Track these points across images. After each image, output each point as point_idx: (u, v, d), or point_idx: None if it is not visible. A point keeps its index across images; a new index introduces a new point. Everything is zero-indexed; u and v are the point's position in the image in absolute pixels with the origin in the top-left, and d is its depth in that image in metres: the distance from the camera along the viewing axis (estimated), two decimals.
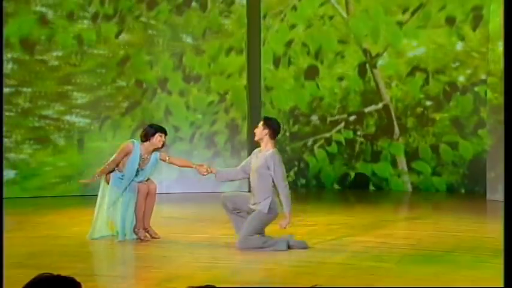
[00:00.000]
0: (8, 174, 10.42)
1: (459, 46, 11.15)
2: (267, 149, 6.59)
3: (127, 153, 7.01)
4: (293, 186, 12.12)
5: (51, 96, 10.77)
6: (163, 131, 7.13)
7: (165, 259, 6.30)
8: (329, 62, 12.02)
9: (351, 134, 11.96)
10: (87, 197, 9.95)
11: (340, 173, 12.04)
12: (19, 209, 9.53)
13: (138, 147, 7.02)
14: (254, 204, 6.55)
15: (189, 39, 11.27)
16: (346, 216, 8.89)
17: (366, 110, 11.84)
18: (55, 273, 2.50)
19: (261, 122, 6.69)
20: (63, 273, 2.50)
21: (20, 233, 7.62)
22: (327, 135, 12.09)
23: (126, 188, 6.99)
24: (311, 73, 12.14)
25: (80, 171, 10.45)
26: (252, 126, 11.88)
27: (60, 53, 10.79)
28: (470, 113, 11.10)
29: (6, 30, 10.39)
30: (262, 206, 6.48)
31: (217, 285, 2.56)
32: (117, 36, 11.00)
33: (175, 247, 6.65)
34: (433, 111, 11.40)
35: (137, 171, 7.02)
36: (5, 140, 10.31)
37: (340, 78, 11.96)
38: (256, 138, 6.68)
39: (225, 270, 5.81)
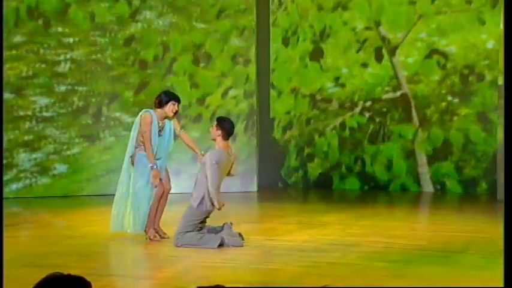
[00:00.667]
0: (60, 168, 10.64)
1: (489, 44, 11.03)
2: (215, 149, 6.74)
3: (151, 123, 7.03)
4: (303, 173, 12.14)
5: (104, 95, 11.07)
6: (177, 99, 7.16)
7: (174, 259, 6.31)
8: (342, 45, 11.94)
9: (365, 120, 11.87)
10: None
11: (351, 158, 11.95)
12: (41, 208, 9.62)
13: (154, 115, 7.07)
14: (192, 194, 6.73)
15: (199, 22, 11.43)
16: (356, 215, 8.88)
17: (384, 97, 11.73)
18: (65, 272, 2.51)
19: (215, 123, 6.80)
20: (73, 272, 2.52)
21: (34, 232, 7.67)
22: (341, 119, 12.01)
23: (152, 166, 6.95)
24: (316, 55, 12.10)
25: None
26: (263, 106, 12.03)
27: (114, 54, 11.14)
28: (496, 106, 10.82)
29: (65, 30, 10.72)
30: (192, 200, 6.63)
31: (226, 285, 2.57)
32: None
33: (184, 248, 6.66)
34: (456, 104, 11.28)
35: (157, 140, 7.03)
36: (60, 136, 10.67)
37: (356, 62, 11.89)
38: (211, 138, 6.83)
39: (234, 270, 5.81)
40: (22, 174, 10.73)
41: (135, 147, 7.07)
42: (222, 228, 6.82)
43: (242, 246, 6.69)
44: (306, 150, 12.35)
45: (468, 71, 11.21)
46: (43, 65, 10.79)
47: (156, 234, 7.08)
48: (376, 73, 11.81)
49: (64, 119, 10.83)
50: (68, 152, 10.87)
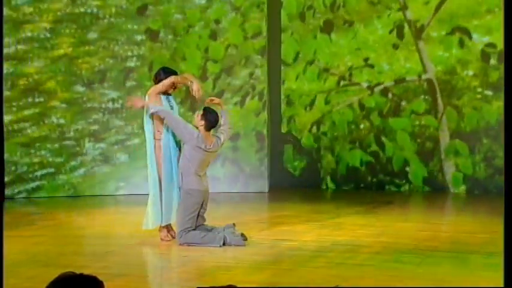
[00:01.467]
0: (121, 158, 11.11)
1: None
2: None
3: (156, 92, 7.04)
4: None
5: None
6: (175, 74, 7.21)
7: (186, 259, 6.33)
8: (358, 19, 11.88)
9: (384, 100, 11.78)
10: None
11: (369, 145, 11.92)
12: (57, 208, 9.67)
13: (163, 96, 7.08)
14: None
15: None
16: (368, 215, 8.87)
17: (407, 78, 11.64)
18: (78, 272, 2.53)
19: (201, 112, 6.87)
20: (86, 272, 2.54)
21: (49, 232, 7.71)
22: (356, 98, 11.97)
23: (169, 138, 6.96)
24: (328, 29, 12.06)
25: None
26: (273, 80, 12.06)
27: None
28: None
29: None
30: (184, 185, 6.74)
31: (237, 285, 2.58)
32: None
33: (196, 247, 6.68)
34: (489, 96, 11.15)
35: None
36: (124, 127, 11.09)
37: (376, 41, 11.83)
38: (193, 124, 6.92)
39: (246, 270, 5.82)
40: (87, 162, 11.05)
41: (155, 139, 7.06)
42: (224, 228, 6.85)
43: (244, 245, 6.70)
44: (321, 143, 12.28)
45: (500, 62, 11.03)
46: (111, 61, 11.11)
47: (168, 234, 7.10)
48: (403, 56, 11.65)
49: (128, 111, 11.05)
50: (129, 143, 11.12)
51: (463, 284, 5.31)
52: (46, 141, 10.73)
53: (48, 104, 10.76)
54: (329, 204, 10.43)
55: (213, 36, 11.51)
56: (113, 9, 11.11)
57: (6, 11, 10.57)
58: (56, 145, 10.77)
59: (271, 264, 6.12)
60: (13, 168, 10.61)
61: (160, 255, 6.80)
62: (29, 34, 10.64)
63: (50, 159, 10.78)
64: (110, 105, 11.07)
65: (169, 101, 7.16)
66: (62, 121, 10.81)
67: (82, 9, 10.92)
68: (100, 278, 2.53)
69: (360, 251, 6.57)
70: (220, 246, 6.65)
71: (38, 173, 10.75)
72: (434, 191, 11.44)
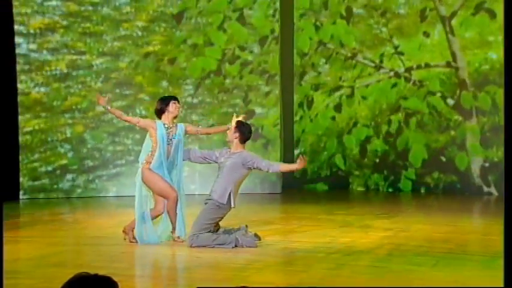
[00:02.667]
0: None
1: None
2: (239, 151, 6.85)
3: (150, 125, 7.05)
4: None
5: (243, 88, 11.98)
6: (175, 98, 7.23)
7: (200, 260, 6.34)
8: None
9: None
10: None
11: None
12: (71, 208, 9.72)
13: (160, 123, 7.06)
14: (212, 192, 6.79)
15: None
16: (380, 216, 8.85)
17: (432, 64, 11.54)
18: (92, 272, 2.54)
19: (234, 125, 6.90)
20: (101, 272, 2.55)
21: (61, 233, 7.75)
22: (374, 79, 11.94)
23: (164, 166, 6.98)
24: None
25: None
26: (284, 60, 12.12)
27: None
28: None
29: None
30: (217, 196, 6.71)
31: (250, 286, 2.59)
32: None
33: (209, 248, 6.69)
34: None
35: (168, 144, 7.00)
36: (200, 121, 11.57)
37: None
38: (227, 139, 6.97)
39: (258, 272, 5.82)
40: None
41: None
42: (236, 230, 6.85)
43: (256, 246, 6.70)
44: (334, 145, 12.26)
45: None
46: (194, 59, 11.71)
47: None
48: (431, 43, 11.58)
49: (207, 106, 11.63)
50: (203, 136, 11.30)
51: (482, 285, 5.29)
52: (130, 131, 11.24)
53: (136, 96, 11.38)
54: (342, 204, 10.40)
55: None
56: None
57: (107, 11, 11.27)
58: (137, 136, 11.05)
59: (283, 266, 6.12)
60: (98, 155, 11.30)
61: (173, 256, 6.81)
62: (124, 32, 11.37)
63: (130, 148, 11.32)
64: (189, 99, 11.63)
65: (175, 127, 7.18)
66: (144, 113, 11.14)
67: (171, 10, 11.61)
68: (114, 278, 2.54)
69: (372, 253, 6.55)
70: (232, 248, 6.66)
71: (119, 161, 11.34)
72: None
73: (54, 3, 10.99)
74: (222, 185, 6.76)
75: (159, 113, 7.14)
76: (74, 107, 11.17)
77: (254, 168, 6.84)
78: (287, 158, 12.01)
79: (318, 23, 12.35)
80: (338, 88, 12.27)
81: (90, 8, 11.18)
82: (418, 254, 6.46)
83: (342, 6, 12.17)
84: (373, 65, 11.96)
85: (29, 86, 10.92)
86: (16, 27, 10.78)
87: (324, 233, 7.66)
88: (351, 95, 12.19)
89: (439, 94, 11.51)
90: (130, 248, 6.90)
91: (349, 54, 12.11)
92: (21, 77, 10.84)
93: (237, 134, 6.84)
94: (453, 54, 11.41)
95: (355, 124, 12.15)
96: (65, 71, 11.08)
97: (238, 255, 6.48)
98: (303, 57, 12.47)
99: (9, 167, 10.42)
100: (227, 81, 11.82)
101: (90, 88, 11.18)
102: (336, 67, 12.21)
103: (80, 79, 11.19)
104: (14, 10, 10.78)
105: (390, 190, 11.88)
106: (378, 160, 12.01)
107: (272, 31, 11.82)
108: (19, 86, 10.84)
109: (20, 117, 10.84)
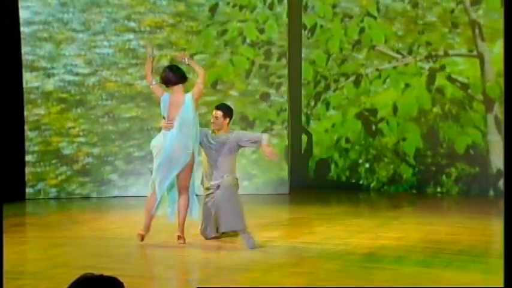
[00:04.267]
0: None
1: None
2: (229, 131, 7.06)
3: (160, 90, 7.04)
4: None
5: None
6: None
7: (207, 261, 6.32)
8: None
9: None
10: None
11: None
12: (74, 209, 9.73)
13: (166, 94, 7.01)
14: (222, 177, 6.84)
15: None
16: (390, 218, 8.80)
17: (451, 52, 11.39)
18: (98, 273, 2.52)
19: (220, 113, 7.01)
20: (107, 273, 2.52)
21: (67, 233, 7.74)
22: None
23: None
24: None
25: None
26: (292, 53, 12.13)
27: None
28: None
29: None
30: (231, 179, 6.83)
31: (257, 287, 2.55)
32: None
33: (215, 249, 6.67)
34: None
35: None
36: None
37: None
38: (216, 128, 7.03)
39: (265, 273, 5.79)
40: None
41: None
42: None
43: (256, 247, 6.63)
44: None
45: None
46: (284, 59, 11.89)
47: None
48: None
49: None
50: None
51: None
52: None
53: (227, 93, 11.62)
54: (351, 206, 10.36)
55: None
56: None
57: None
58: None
59: (290, 266, 6.09)
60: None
61: (180, 257, 6.77)
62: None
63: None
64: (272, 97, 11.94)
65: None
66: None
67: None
68: (120, 279, 2.51)
69: (381, 254, 6.51)
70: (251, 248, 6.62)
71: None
72: None
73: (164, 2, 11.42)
74: (227, 168, 6.92)
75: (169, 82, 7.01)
76: None
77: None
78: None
79: None
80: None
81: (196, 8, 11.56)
82: (429, 255, 6.41)
83: None
84: None
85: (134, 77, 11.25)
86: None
87: (332, 234, 7.61)
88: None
89: None
90: (137, 249, 6.87)
91: None
92: (129, 70, 11.19)
93: (228, 119, 7.05)
94: None
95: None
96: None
97: (246, 256, 6.45)
98: None
99: (15, 166, 10.39)
100: None
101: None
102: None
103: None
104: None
105: (401, 190, 11.80)
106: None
107: None
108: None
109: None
